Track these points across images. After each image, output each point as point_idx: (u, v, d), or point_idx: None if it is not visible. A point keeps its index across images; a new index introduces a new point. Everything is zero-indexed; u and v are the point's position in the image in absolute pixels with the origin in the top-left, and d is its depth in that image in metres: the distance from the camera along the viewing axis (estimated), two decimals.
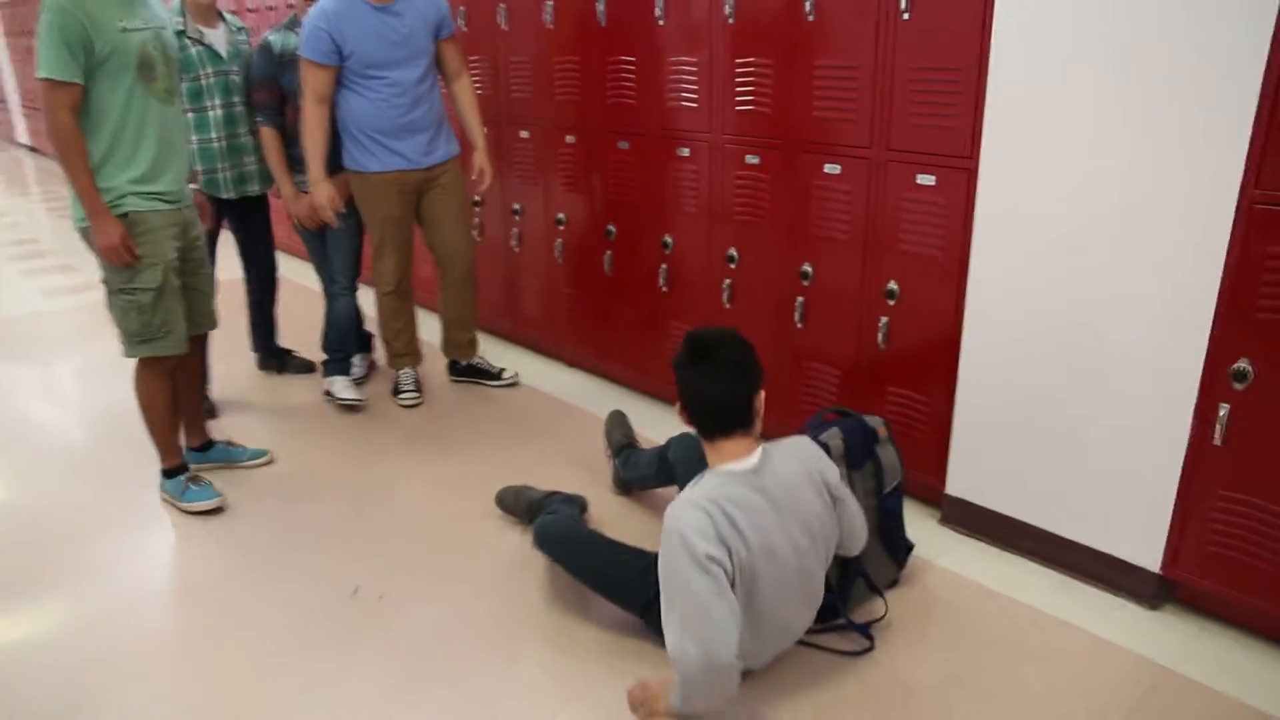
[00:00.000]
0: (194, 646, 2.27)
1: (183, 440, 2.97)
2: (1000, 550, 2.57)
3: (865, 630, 2.18)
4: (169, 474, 2.86)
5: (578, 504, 2.61)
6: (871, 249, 2.67)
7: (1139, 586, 2.32)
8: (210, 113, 3.28)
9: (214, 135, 3.31)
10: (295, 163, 3.40)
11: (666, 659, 2.10)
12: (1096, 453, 2.31)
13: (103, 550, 2.66)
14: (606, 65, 3.33)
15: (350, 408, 3.55)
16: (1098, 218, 2.17)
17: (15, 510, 2.91)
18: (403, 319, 3.60)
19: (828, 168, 2.72)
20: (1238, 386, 2.05)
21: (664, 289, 3.36)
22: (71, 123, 2.42)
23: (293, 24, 3.35)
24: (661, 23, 3.07)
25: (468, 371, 3.76)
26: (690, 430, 1.99)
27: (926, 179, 2.49)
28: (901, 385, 2.71)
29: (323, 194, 3.26)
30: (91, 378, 4.00)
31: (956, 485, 2.63)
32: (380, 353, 3.88)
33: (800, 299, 2.90)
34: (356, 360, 3.78)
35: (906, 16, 2.42)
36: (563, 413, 3.56)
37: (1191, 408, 2.12)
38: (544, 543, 2.37)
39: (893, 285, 2.64)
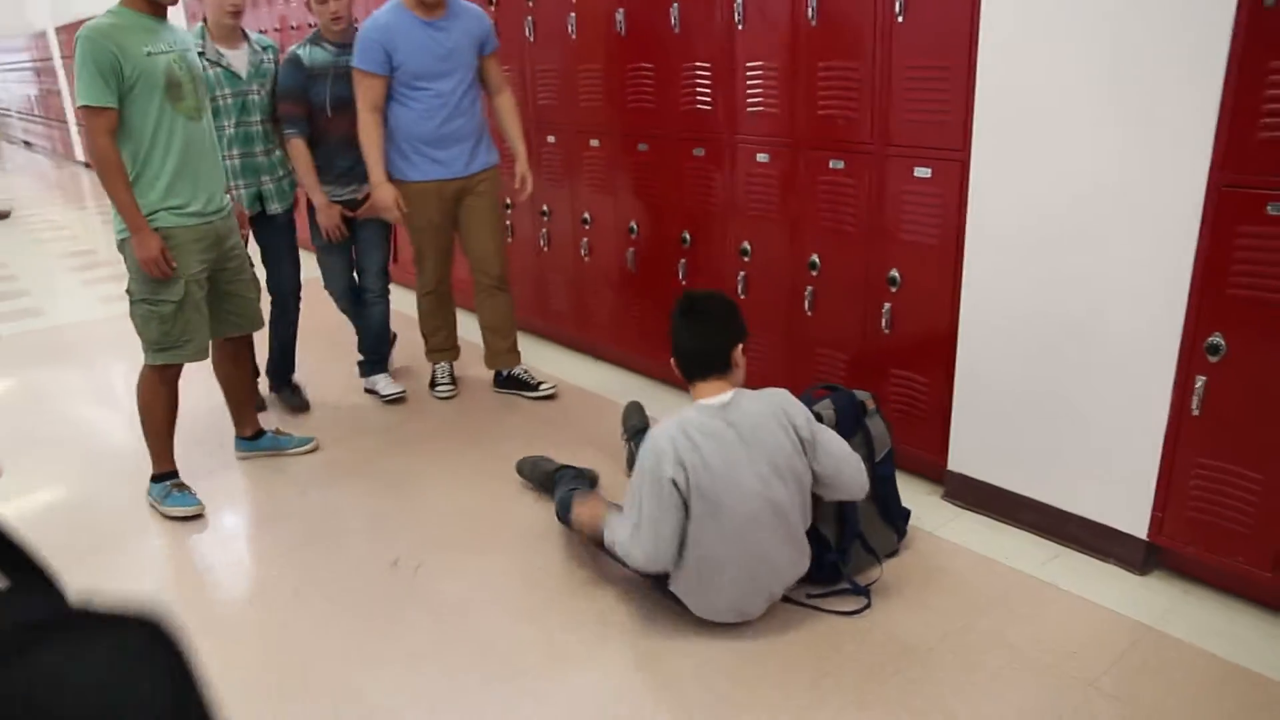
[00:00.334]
0: (250, 613, 2.50)
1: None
2: (998, 522, 2.70)
3: (864, 590, 2.34)
4: (156, 479, 2.97)
5: (588, 477, 2.82)
6: (874, 239, 2.82)
7: (1128, 553, 2.45)
8: (225, 131, 3.33)
9: (225, 153, 3.33)
10: (324, 171, 3.51)
11: (671, 614, 2.29)
12: (1086, 426, 2.44)
13: (159, 537, 2.90)
14: (626, 71, 3.52)
15: (395, 400, 3.78)
16: (1080, 205, 2.31)
17: (73, 508, 3.12)
18: (440, 317, 3.81)
19: (833, 163, 2.88)
20: (1212, 360, 2.17)
21: (683, 281, 3.53)
22: (110, 145, 2.59)
23: (317, 39, 3.44)
24: (677, 30, 3.25)
25: (509, 382, 3.88)
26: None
27: (923, 171, 2.64)
28: (904, 367, 2.86)
29: (387, 195, 3.42)
30: None
31: (957, 461, 2.77)
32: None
33: (809, 288, 3.06)
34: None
35: (901, 19, 2.58)
36: (587, 402, 3.75)
37: (1171, 381, 2.26)
38: (564, 515, 2.59)
39: (894, 273, 2.79)
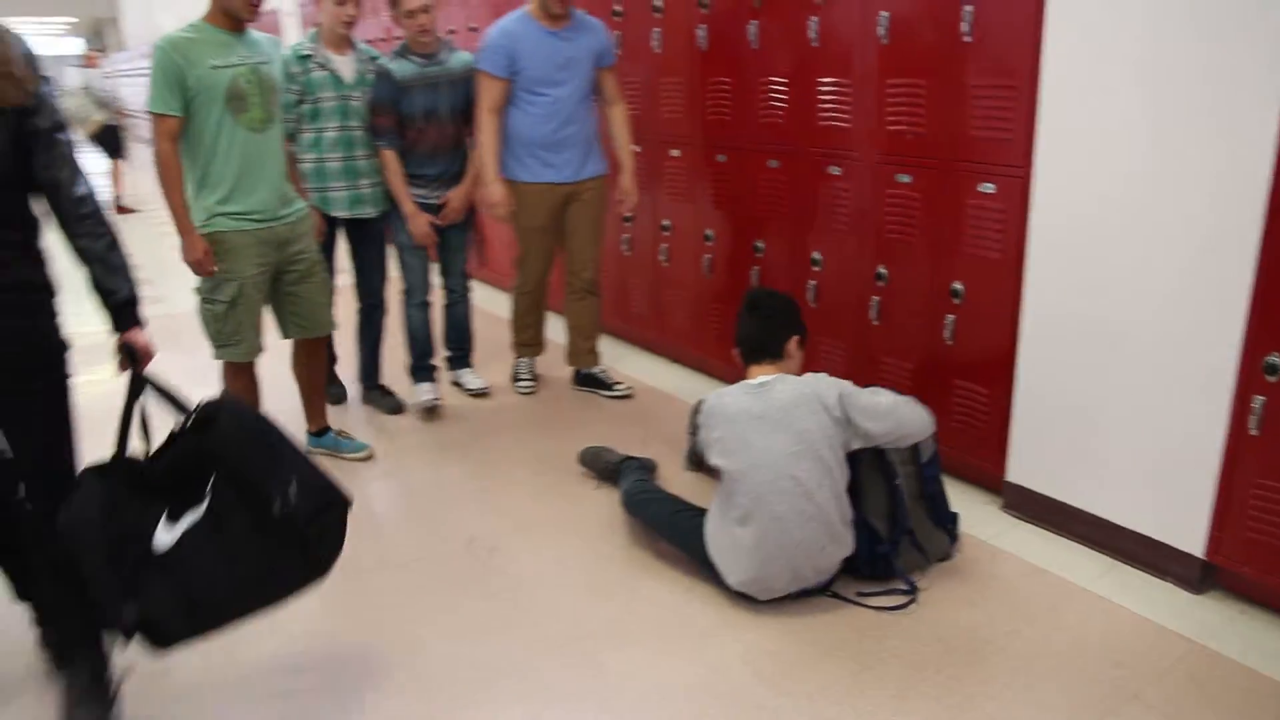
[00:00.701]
0: (334, 576, 2.71)
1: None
2: (1055, 534, 2.73)
3: (912, 585, 2.43)
4: None
5: (648, 468, 2.99)
6: (938, 252, 2.89)
7: (1184, 571, 2.46)
8: (325, 134, 3.44)
9: (326, 155, 3.47)
10: (414, 180, 3.58)
11: (725, 601, 2.42)
12: (1144, 442, 2.46)
13: None
14: (706, 85, 3.65)
15: (480, 394, 3.99)
16: (1139, 222, 2.35)
17: None
18: (533, 316, 3.96)
19: (900, 177, 2.95)
20: (1270, 379, 2.18)
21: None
22: (169, 149, 2.74)
23: (404, 51, 3.51)
24: (755, 46, 3.37)
25: (587, 380, 4.05)
26: None
27: (987, 187, 2.70)
28: (966, 378, 2.91)
29: (498, 193, 3.60)
30: None
31: (1016, 472, 2.81)
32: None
33: (876, 298, 3.13)
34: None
35: (969, 39, 2.64)
36: (661, 402, 3.89)
37: (1229, 400, 2.27)
38: (628, 505, 2.77)
39: (958, 285, 2.85)
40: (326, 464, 3.32)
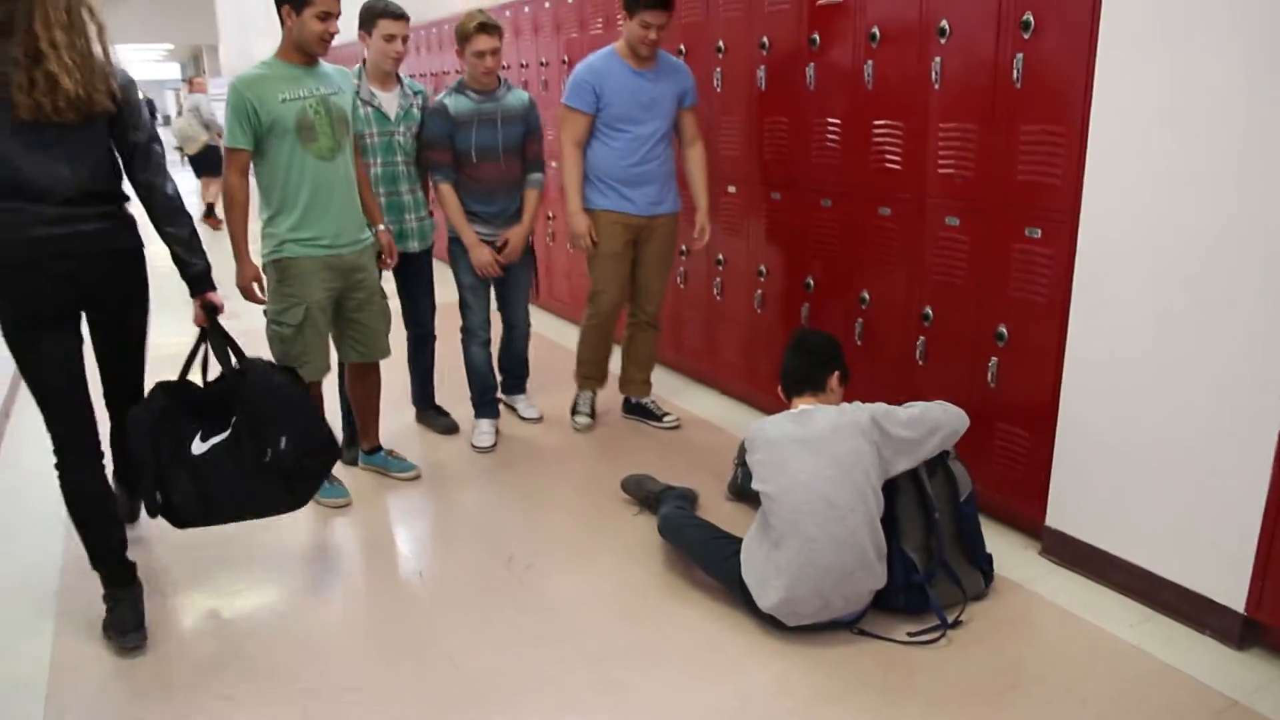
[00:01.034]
0: (377, 588, 2.83)
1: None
2: (1092, 581, 2.71)
3: (944, 617, 2.46)
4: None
5: (689, 498, 3.05)
6: (984, 295, 2.91)
7: (1225, 626, 2.42)
8: (372, 170, 3.46)
9: (374, 192, 3.45)
10: (471, 216, 3.63)
11: (755, 629, 2.46)
12: (1186, 492, 2.44)
13: (310, 519, 3.29)
14: (764, 124, 3.73)
15: (534, 421, 4.10)
16: (1183, 273, 2.35)
17: None
18: (601, 348, 3.94)
19: (948, 219, 2.99)
20: None
21: (805, 324, 3.69)
22: (237, 182, 2.92)
23: (460, 87, 3.56)
24: (811, 88, 3.45)
25: (636, 410, 4.13)
26: None
27: (1034, 232, 2.72)
28: (1008, 422, 2.91)
29: (582, 223, 3.68)
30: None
31: (1056, 518, 2.80)
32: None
33: (921, 339, 3.16)
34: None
35: (1019, 85, 2.68)
36: (708, 434, 3.94)
37: (1272, 452, 2.24)
38: (665, 530, 2.83)
39: (1002, 329, 2.86)
40: (373, 478, 3.52)
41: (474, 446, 3.83)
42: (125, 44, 20.30)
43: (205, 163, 10.02)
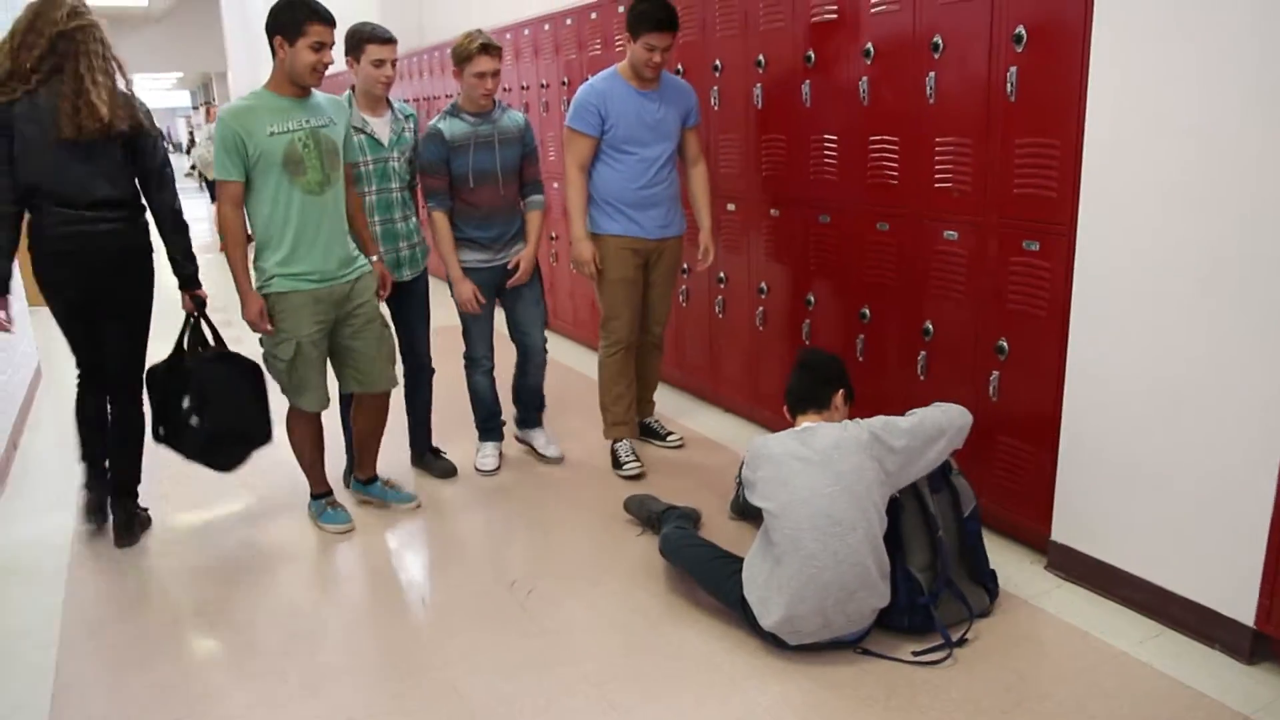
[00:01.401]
0: (380, 613, 2.82)
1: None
2: (1099, 596, 2.68)
3: (948, 636, 2.43)
4: (314, 497, 3.36)
5: (691, 517, 3.03)
6: (983, 309, 2.89)
7: (1234, 640, 2.38)
8: (367, 198, 3.38)
9: (368, 220, 3.37)
10: (469, 243, 3.56)
11: (757, 650, 2.43)
12: (1192, 505, 2.41)
13: (313, 544, 3.29)
14: (761, 141, 3.74)
15: (555, 461, 3.92)
16: (1183, 283, 2.33)
17: (251, 517, 3.57)
18: (625, 381, 3.78)
19: (946, 233, 2.98)
20: None
21: (806, 341, 3.68)
22: (231, 214, 2.91)
23: (455, 110, 3.50)
24: (807, 105, 3.45)
25: (641, 429, 4.06)
26: None
27: (1031, 244, 2.71)
28: (1011, 435, 2.89)
29: (586, 250, 3.57)
30: None
31: (1061, 532, 2.77)
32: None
33: (922, 353, 3.15)
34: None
35: (1013, 99, 2.68)
36: (711, 451, 3.93)
37: (1278, 465, 2.22)
38: (666, 550, 2.81)
39: (1002, 342, 2.85)
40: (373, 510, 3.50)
41: (477, 469, 3.81)
42: (138, 73, 20.57)
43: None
